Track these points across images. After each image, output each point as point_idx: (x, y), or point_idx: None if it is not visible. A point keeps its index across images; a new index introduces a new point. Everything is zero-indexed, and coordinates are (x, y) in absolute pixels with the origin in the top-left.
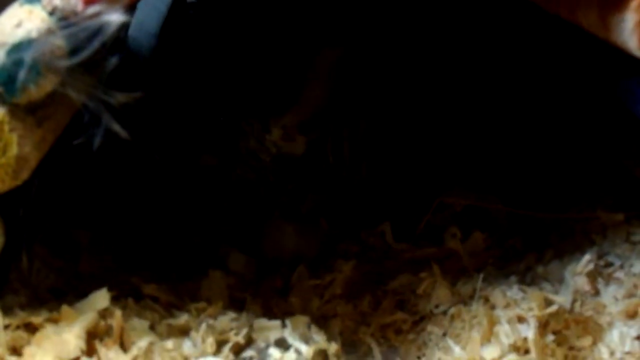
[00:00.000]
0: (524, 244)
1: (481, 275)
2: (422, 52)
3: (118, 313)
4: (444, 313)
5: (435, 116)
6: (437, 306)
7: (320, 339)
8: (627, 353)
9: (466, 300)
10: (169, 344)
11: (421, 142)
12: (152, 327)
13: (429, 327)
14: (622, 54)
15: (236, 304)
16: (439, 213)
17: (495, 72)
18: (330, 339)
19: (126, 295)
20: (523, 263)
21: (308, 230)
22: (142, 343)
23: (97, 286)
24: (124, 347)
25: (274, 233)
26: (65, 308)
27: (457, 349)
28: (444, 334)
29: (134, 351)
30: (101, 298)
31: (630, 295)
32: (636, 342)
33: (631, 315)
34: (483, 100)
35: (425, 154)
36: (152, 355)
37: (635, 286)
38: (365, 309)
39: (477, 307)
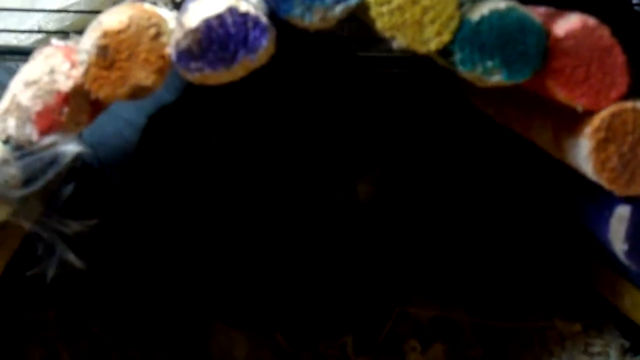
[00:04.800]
0: (484, 353)
1: None
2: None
3: None
4: None
5: (399, 229)
6: None
7: None
8: None
9: None
10: None
11: (382, 252)
12: None
13: None
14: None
15: None
16: (401, 323)
17: (453, 184)
18: None
19: None
20: None
21: (261, 341)
22: None
23: None
24: None
25: (222, 340)
26: None
27: None
28: None
29: None
30: None
31: None
32: None
33: None
34: (441, 214)
35: (385, 264)
36: None
37: None
38: None
39: None
